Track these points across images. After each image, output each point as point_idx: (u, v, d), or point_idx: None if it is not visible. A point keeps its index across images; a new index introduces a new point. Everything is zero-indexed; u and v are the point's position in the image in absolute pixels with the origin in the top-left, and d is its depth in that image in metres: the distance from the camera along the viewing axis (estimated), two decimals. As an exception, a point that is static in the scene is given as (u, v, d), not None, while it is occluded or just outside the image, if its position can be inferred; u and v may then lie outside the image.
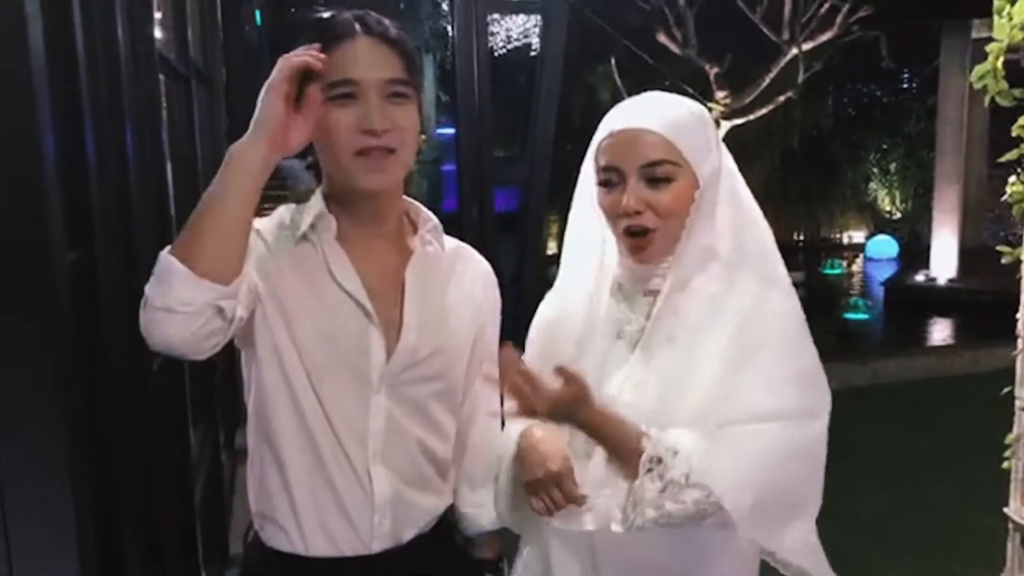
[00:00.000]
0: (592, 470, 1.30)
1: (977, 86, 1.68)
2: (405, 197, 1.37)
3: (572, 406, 1.24)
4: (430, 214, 1.37)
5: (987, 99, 1.68)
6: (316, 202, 1.31)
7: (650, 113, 1.31)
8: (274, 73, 1.17)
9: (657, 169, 1.28)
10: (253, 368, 1.31)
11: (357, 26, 1.25)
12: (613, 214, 1.32)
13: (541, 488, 1.29)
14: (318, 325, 1.27)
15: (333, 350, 1.28)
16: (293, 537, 1.31)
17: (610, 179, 1.32)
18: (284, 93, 1.16)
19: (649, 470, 1.21)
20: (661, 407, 1.28)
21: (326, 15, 1.28)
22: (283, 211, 1.35)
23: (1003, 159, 1.70)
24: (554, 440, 1.33)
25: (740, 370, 1.26)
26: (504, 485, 1.39)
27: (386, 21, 1.28)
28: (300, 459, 1.29)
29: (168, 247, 1.15)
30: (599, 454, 1.29)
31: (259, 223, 1.31)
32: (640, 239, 1.30)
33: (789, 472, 1.26)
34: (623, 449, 1.24)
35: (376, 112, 1.22)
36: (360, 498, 1.30)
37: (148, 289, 1.13)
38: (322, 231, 1.30)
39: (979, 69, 1.65)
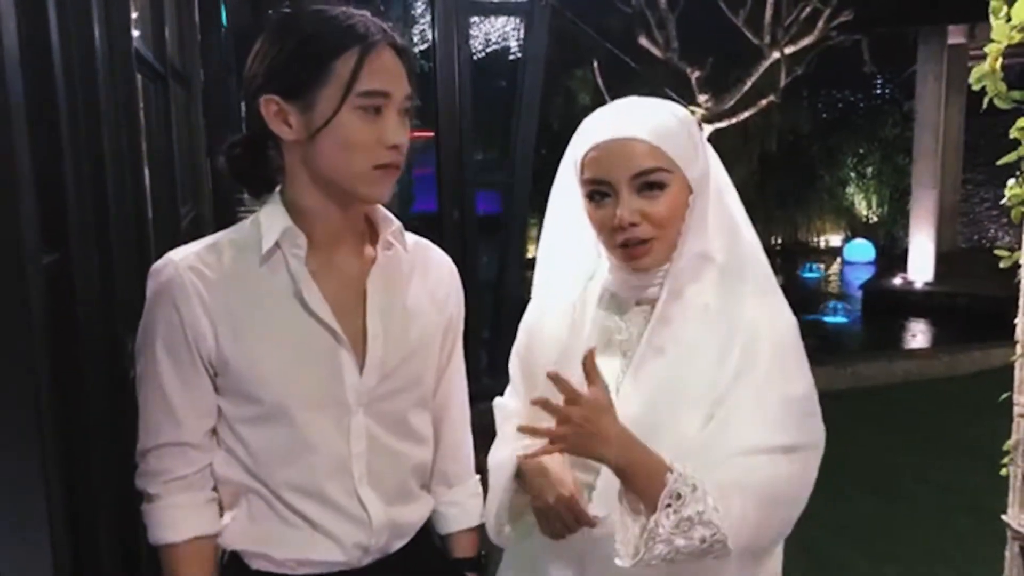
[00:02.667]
0: (599, 490, 1.28)
1: (976, 87, 1.67)
2: None
3: (598, 418, 1.17)
4: (391, 216, 1.32)
5: (985, 101, 1.67)
6: (279, 216, 1.23)
7: (634, 121, 1.26)
8: None
9: (649, 177, 1.24)
10: (221, 403, 1.26)
11: (379, 33, 1.18)
12: (607, 228, 1.27)
13: (552, 513, 1.26)
14: (288, 356, 1.22)
15: (306, 379, 1.23)
16: (279, 565, 1.27)
17: (599, 192, 1.27)
18: None
19: (668, 505, 1.16)
20: (647, 420, 1.25)
21: (340, 16, 1.19)
22: (243, 230, 1.27)
23: (1001, 162, 1.70)
24: (560, 462, 1.30)
25: (734, 393, 1.22)
26: (501, 509, 1.36)
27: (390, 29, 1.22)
28: (283, 493, 1.25)
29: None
30: (602, 478, 1.27)
31: (213, 248, 1.24)
32: (637, 248, 1.26)
33: (784, 506, 1.24)
34: (645, 480, 1.17)
35: (399, 128, 1.20)
36: (351, 525, 1.27)
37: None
38: (289, 249, 1.22)
39: (977, 70, 1.64)
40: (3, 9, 0.98)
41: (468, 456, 1.48)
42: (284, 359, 1.22)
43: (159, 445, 1.26)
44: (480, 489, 1.48)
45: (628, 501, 1.19)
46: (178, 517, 1.26)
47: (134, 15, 2.37)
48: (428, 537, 1.42)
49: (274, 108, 1.18)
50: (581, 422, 1.16)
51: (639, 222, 1.25)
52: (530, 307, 1.47)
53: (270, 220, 1.23)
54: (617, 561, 1.19)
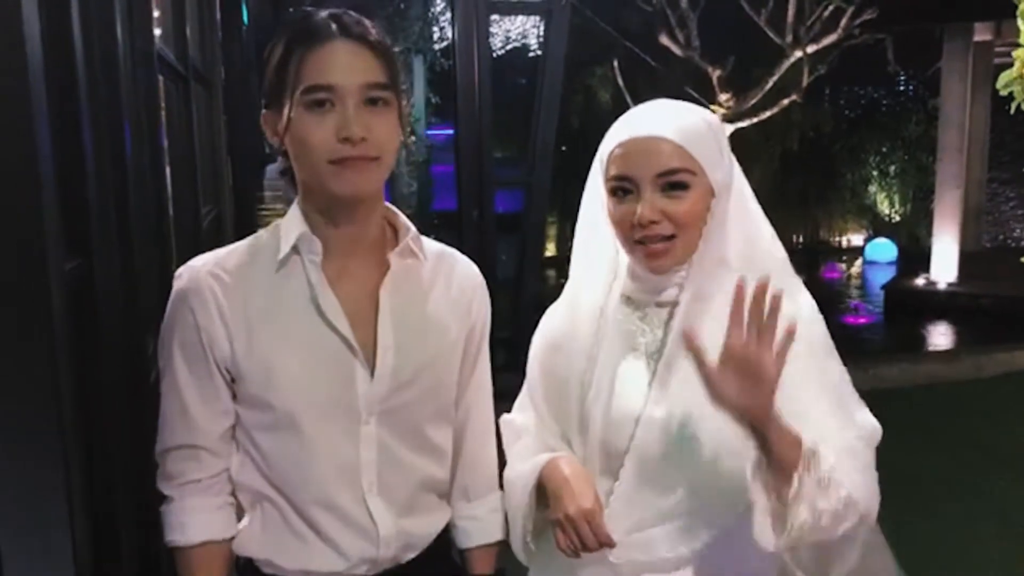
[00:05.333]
0: (616, 495, 1.27)
1: (1003, 92, 1.65)
2: (387, 204, 1.31)
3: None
4: (409, 223, 1.30)
5: (1013, 107, 1.65)
6: (296, 221, 1.24)
7: (663, 121, 1.27)
8: None
9: (673, 177, 1.24)
10: (237, 408, 1.26)
11: (334, 27, 1.18)
12: (626, 225, 1.27)
13: (570, 525, 1.24)
14: (300, 363, 1.22)
15: (317, 387, 1.22)
16: (289, 572, 1.27)
17: (622, 189, 1.27)
18: None
19: (807, 463, 1.15)
20: (687, 421, 1.24)
21: (307, 18, 1.21)
22: (262, 235, 1.29)
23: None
24: (585, 476, 1.29)
25: (792, 390, 1.18)
26: (525, 522, 1.35)
27: (365, 22, 1.21)
28: (294, 500, 1.25)
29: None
30: (622, 482, 1.26)
31: (232, 254, 1.26)
32: (656, 246, 1.26)
33: (874, 497, 1.27)
34: (790, 443, 1.15)
35: (354, 120, 1.16)
36: (358, 536, 1.26)
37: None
38: (306, 255, 1.23)
39: (1005, 76, 1.62)
40: (26, 12, 0.98)
41: (490, 470, 1.43)
42: (297, 367, 1.22)
43: (174, 447, 1.27)
44: (502, 504, 1.44)
45: (762, 478, 1.18)
46: (188, 521, 1.26)
47: (155, 15, 2.38)
48: (445, 551, 1.39)
49: (265, 122, 1.23)
50: (746, 373, 1.12)
51: (659, 220, 1.24)
52: (555, 310, 1.45)
53: (288, 227, 1.25)
54: (764, 544, 1.17)
